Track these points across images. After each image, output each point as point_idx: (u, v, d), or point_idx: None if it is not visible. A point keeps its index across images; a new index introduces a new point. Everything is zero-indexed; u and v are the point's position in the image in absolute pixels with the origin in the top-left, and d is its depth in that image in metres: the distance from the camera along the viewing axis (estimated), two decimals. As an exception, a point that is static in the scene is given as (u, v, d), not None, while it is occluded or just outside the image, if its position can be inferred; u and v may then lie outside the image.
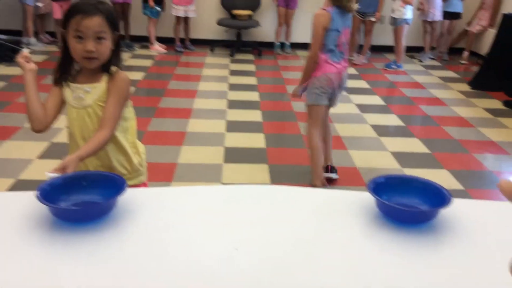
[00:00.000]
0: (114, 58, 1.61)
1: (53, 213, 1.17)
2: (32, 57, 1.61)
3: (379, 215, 1.27)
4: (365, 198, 1.32)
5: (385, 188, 1.31)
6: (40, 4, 6.43)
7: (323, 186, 3.02)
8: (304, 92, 2.98)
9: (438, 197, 1.26)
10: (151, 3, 6.33)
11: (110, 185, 1.25)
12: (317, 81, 2.88)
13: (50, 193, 1.20)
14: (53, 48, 6.40)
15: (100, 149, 1.56)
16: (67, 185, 1.25)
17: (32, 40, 6.44)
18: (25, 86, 1.56)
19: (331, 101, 3.00)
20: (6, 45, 5.76)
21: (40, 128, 1.59)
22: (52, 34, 6.74)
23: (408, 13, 6.10)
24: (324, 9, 2.76)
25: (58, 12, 6.22)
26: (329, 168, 3.19)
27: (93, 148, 1.51)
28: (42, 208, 1.19)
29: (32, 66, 1.57)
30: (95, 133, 1.56)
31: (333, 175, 3.19)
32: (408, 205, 1.30)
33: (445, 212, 1.24)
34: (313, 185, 3.01)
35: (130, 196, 1.26)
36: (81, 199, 1.25)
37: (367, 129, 4.21)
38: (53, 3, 6.31)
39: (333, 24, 2.75)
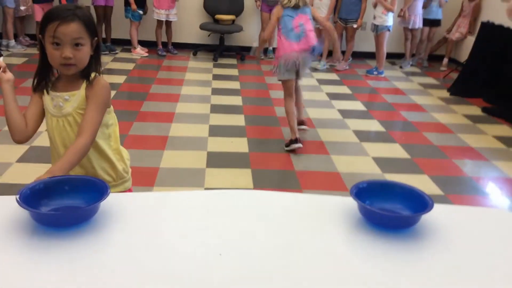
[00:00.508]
0: (94, 64, 1.59)
1: (33, 217, 1.16)
2: (6, 66, 1.55)
3: (362, 220, 1.28)
4: (348, 203, 1.33)
5: (368, 193, 1.33)
6: (22, 8, 6.33)
7: (297, 140, 3.75)
8: (276, 71, 3.78)
9: (419, 203, 1.28)
10: (133, 6, 6.30)
11: (93, 189, 1.24)
12: (282, 60, 3.67)
13: (31, 197, 1.18)
14: (33, 51, 6.30)
15: (81, 157, 1.51)
16: (49, 189, 1.24)
17: (12, 42, 6.34)
18: (4, 98, 1.52)
19: (298, 75, 3.78)
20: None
21: (21, 139, 1.55)
22: (32, 36, 6.65)
23: (390, 20, 6.18)
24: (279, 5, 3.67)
25: (39, 15, 6.13)
26: (302, 122, 4.02)
27: (72, 158, 1.46)
28: (23, 213, 1.17)
29: (9, 76, 1.52)
30: (74, 141, 1.52)
31: (305, 127, 4.04)
32: (390, 210, 1.32)
33: (426, 217, 1.26)
34: (291, 139, 3.75)
35: (112, 201, 1.25)
36: (63, 203, 1.23)
37: (349, 134, 4.25)
38: (34, 6, 6.23)
39: (285, 12, 3.61)
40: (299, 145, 3.73)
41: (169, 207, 1.34)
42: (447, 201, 3.11)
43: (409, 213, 1.29)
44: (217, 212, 1.32)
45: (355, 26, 6.43)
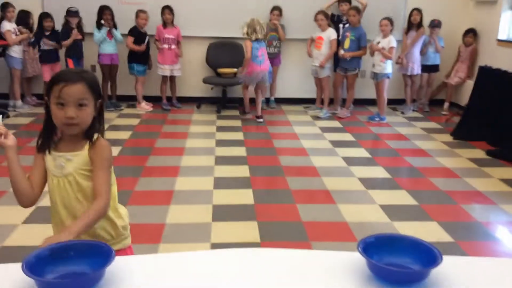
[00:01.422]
0: (97, 125, 1.62)
1: (40, 286, 1.15)
2: (7, 131, 1.54)
3: (371, 276, 1.26)
4: (356, 259, 1.31)
5: (376, 247, 1.31)
6: (29, 69, 6.47)
7: (244, 112, 6.53)
8: (244, 79, 6.27)
9: (428, 256, 1.27)
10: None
11: (97, 254, 1.23)
12: (249, 75, 6.11)
13: (36, 265, 1.17)
14: (40, 110, 6.41)
15: (100, 218, 1.55)
16: (54, 255, 1.23)
17: (19, 103, 6.45)
18: (9, 165, 1.54)
19: (259, 83, 6.22)
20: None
21: (27, 203, 1.59)
22: (39, 96, 6.78)
23: (388, 67, 6.29)
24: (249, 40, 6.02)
25: (47, 75, 6.27)
26: (258, 117, 6.31)
27: (91, 219, 1.49)
28: (29, 281, 1.16)
29: (10, 141, 1.53)
30: (91, 204, 1.54)
31: (260, 120, 6.32)
32: (399, 265, 1.30)
33: (437, 270, 1.24)
34: (244, 111, 6.53)
35: (117, 265, 1.24)
36: (69, 270, 1.22)
37: (355, 182, 4.23)
38: (42, 66, 6.39)
39: (253, 45, 5.96)
40: (248, 115, 6.44)
41: (175, 269, 1.32)
42: (457, 248, 3.06)
43: (419, 267, 1.27)
44: (224, 273, 1.30)
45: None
